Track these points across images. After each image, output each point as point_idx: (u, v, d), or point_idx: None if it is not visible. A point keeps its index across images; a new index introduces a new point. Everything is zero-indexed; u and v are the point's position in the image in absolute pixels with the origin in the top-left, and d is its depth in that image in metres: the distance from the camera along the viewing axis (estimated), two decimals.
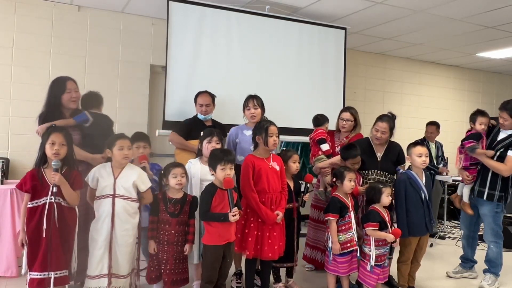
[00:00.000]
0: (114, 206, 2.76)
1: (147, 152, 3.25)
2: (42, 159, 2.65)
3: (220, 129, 3.89)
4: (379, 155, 3.53)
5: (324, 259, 3.82)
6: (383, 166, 3.49)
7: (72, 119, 3.15)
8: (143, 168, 3.06)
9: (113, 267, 2.76)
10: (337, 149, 3.81)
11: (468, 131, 3.79)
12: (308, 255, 3.95)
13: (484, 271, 3.76)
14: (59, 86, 3.20)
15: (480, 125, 3.69)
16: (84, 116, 3.19)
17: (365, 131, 3.85)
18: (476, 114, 3.76)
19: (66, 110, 3.21)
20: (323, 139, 3.77)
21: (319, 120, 3.94)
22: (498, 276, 3.71)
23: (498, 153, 3.58)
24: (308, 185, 3.41)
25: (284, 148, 3.44)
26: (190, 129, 3.84)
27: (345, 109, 3.95)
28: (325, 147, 3.74)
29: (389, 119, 3.50)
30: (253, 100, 3.54)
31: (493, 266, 3.70)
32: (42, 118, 3.11)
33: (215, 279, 2.85)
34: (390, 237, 3.05)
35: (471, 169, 3.72)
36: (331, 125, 4.06)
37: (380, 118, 3.53)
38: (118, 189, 2.79)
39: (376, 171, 3.48)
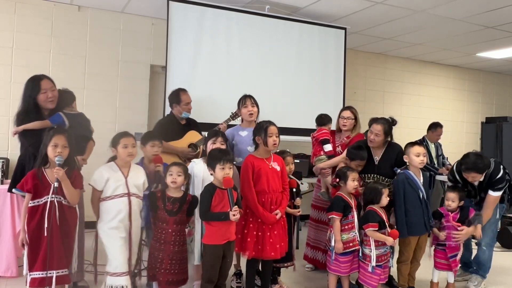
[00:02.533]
0: (130, 204, 2.78)
1: (160, 151, 3.19)
2: (44, 159, 2.64)
3: (196, 127, 3.88)
4: (376, 158, 3.50)
5: (325, 259, 3.82)
6: (381, 170, 3.45)
7: (48, 120, 3.05)
8: (158, 172, 3.07)
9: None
10: (338, 149, 3.80)
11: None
12: (309, 255, 3.94)
13: (472, 271, 3.70)
14: (33, 86, 3.06)
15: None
16: (59, 118, 3.08)
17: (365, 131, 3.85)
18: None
19: (44, 110, 3.12)
20: (327, 139, 3.76)
21: (323, 119, 3.93)
22: (485, 278, 3.65)
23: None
24: (294, 190, 3.30)
25: (277, 150, 3.41)
26: (167, 129, 3.73)
27: (346, 107, 3.93)
28: (328, 147, 3.73)
29: (385, 122, 3.43)
30: (251, 99, 3.53)
31: (483, 270, 3.63)
32: (21, 119, 3.05)
33: (215, 278, 2.85)
34: (389, 240, 3.05)
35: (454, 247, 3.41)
36: (332, 126, 4.02)
37: (376, 120, 3.48)
38: (131, 188, 2.81)
39: (373, 175, 3.46)
